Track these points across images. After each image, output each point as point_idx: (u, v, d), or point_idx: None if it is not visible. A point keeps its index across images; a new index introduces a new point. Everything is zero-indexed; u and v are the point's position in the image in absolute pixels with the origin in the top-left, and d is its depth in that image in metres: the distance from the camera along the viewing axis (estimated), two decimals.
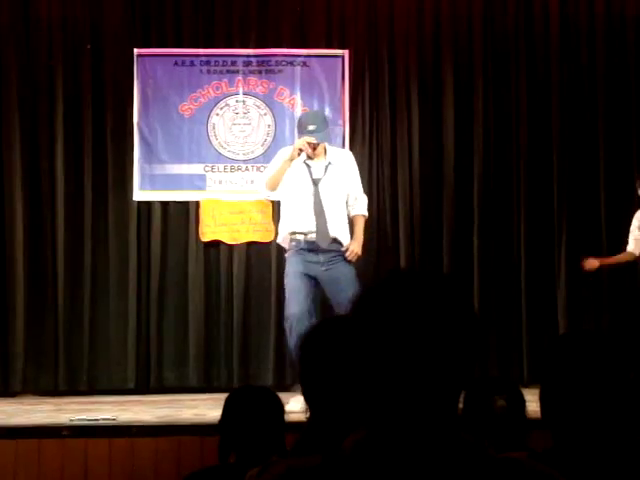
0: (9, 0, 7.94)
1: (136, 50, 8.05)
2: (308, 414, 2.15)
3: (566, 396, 2.02)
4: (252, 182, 8.06)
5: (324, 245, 6.74)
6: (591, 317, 8.02)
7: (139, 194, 8.00)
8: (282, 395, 3.40)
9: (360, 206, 6.99)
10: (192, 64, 8.13)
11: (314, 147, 6.81)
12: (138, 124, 8.03)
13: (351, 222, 6.94)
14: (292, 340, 6.72)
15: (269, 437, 3.12)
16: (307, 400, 2.14)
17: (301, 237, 6.77)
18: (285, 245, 6.95)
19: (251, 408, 3.14)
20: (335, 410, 2.08)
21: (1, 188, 7.88)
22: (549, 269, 8.09)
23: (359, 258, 6.82)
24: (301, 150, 6.78)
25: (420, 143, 8.15)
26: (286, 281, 6.88)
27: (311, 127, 6.83)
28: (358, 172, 7.07)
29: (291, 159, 6.82)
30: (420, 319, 1.44)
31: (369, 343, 1.46)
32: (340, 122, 8.12)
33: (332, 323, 2.24)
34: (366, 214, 7.05)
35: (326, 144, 6.96)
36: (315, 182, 6.82)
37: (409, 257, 8.04)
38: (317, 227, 6.74)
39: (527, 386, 6.63)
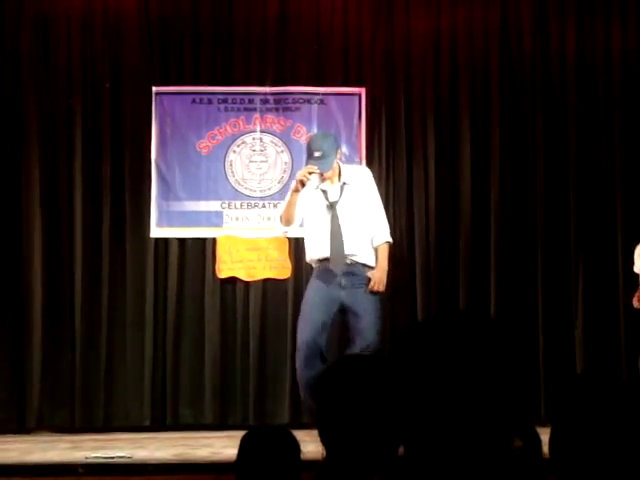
0: (29, 38, 8.02)
1: (154, 88, 8.10)
2: (324, 454, 2.14)
3: (578, 440, 2.00)
4: (269, 219, 8.09)
5: (338, 270, 6.66)
6: (609, 356, 7.97)
7: (156, 231, 8.03)
8: (298, 433, 3.39)
9: (381, 233, 6.85)
10: (210, 102, 8.18)
11: (320, 174, 6.71)
12: (156, 161, 8.08)
13: (375, 250, 6.85)
14: (302, 372, 6.63)
15: (285, 477, 3.10)
16: (323, 440, 2.14)
17: (319, 264, 6.72)
18: None
19: (267, 448, 3.13)
20: (351, 451, 2.07)
21: (20, 224, 7.92)
22: (567, 305, 8.05)
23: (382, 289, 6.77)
24: (303, 182, 6.69)
25: (437, 181, 8.15)
26: (302, 307, 6.83)
27: (317, 154, 6.70)
28: (376, 190, 6.97)
29: (296, 191, 6.74)
30: (459, 362, 1.43)
31: (406, 383, 1.45)
32: (357, 160, 8.13)
33: (349, 363, 2.24)
34: (389, 240, 6.93)
35: (340, 163, 6.85)
36: (332, 205, 6.72)
37: (425, 293, 8.02)
38: (331, 252, 6.66)
39: (544, 425, 6.58)
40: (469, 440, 1.42)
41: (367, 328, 6.61)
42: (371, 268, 6.78)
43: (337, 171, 6.79)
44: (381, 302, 6.87)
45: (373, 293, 6.73)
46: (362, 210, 6.78)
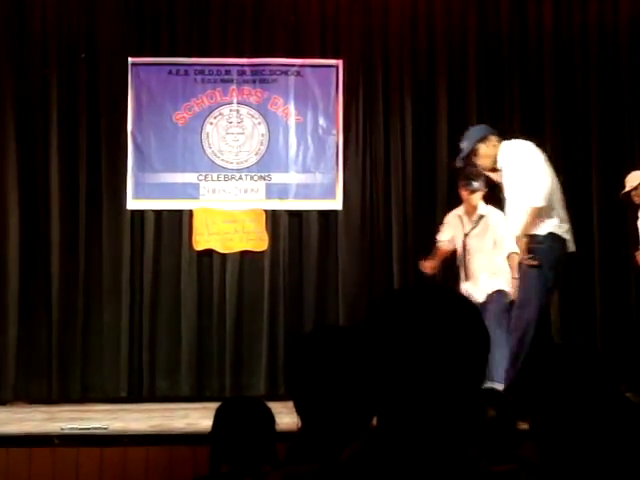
0: (3, 9, 7.94)
1: (130, 59, 8.05)
2: (299, 424, 2.15)
3: (554, 409, 2.02)
4: (245, 191, 8.07)
5: None
6: (584, 328, 8.02)
7: (132, 203, 8.00)
8: (275, 405, 3.40)
9: (525, 199, 6.34)
10: (186, 73, 8.14)
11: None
12: (132, 133, 8.04)
13: None
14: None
15: (260, 447, 3.12)
16: (298, 411, 2.14)
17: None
18: None
19: (241, 419, 3.14)
20: (325, 420, 2.08)
21: None
22: None
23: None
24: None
25: (413, 152, 8.16)
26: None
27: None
28: (516, 159, 6.40)
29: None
30: (431, 333, 1.44)
31: (378, 352, 1.46)
32: (334, 131, 8.13)
33: (323, 333, 2.24)
34: (533, 204, 6.26)
35: (492, 146, 6.57)
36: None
37: (402, 264, 8.04)
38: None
39: None
40: (442, 410, 1.43)
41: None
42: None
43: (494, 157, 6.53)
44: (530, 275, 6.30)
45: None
46: (510, 187, 6.42)
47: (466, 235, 7.25)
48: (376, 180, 8.16)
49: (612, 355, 7.32)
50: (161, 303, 8.01)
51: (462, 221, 7.31)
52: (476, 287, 7.09)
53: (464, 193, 7.22)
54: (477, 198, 7.19)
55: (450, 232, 7.38)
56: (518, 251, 6.44)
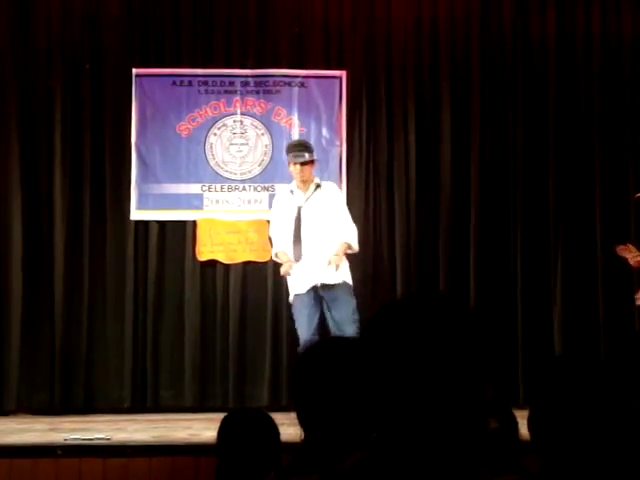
0: (8, 20, 7.97)
1: (134, 70, 8.07)
2: (302, 436, 2.16)
3: (557, 419, 2.02)
4: (249, 202, 8.08)
5: None
6: (587, 337, 8.01)
7: (136, 214, 8.01)
8: (277, 416, 3.40)
9: None
10: (190, 84, 8.15)
11: None
12: (136, 144, 8.05)
13: None
14: None
15: (265, 459, 3.12)
16: (301, 422, 2.15)
17: None
18: None
19: (246, 431, 3.14)
20: (328, 432, 2.09)
21: None
22: (545, 290, 8.09)
23: None
24: None
25: (417, 164, 8.16)
26: None
27: None
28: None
29: None
30: (431, 344, 1.44)
31: (379, 365, 1.46)
32: (337, 143, 8.14)
33: (326, 345, 2.25)
34: None
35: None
36: None
37: (405, 275, 8.04)
38: None
39: (522, 407, 6.62)
40: (443, 421, 1.44)
41: None
42: None
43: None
44: None
45: None
46: None
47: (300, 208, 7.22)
48: (379, 191, 8.16)
49: (615, 365, 7.32)
50: (164, 313, 8.01)
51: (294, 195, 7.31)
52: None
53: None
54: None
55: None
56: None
